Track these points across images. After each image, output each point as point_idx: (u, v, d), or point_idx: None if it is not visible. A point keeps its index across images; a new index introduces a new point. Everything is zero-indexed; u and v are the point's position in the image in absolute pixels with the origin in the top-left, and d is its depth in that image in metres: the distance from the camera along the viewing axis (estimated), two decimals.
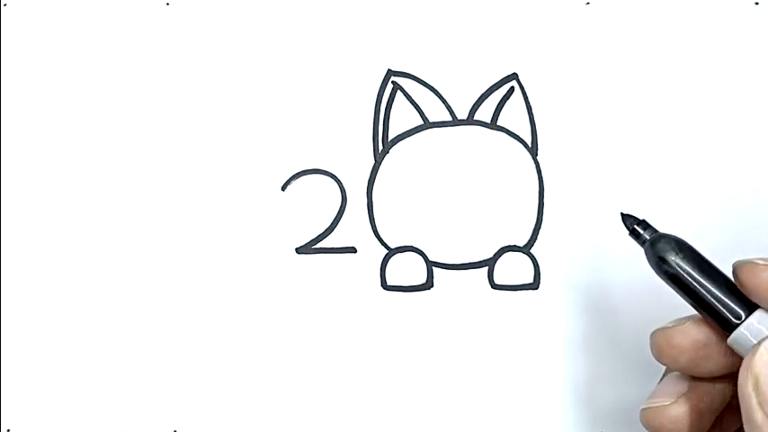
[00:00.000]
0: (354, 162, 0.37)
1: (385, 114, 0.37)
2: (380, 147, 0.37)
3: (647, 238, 0.26)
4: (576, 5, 0.37)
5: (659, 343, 0.27)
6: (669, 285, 0.26)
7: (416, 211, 0.36)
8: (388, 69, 0.37)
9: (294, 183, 0.37)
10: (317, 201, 0.37)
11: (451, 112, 0.37)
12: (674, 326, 0.26)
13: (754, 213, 0.35)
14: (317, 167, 0.37)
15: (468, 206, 0.36)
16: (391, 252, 0.36)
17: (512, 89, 0.37)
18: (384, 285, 0.36)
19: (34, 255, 0.37)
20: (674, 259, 0.25)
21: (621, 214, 0.27)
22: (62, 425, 0.36)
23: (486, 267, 0.36)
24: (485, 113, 0.37)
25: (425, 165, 0.37)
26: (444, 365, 0.36)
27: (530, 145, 0.36)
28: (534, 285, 0.36)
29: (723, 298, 0.25)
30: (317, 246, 0.36)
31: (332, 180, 0.37)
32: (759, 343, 0.23)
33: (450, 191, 0.36)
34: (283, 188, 0.37)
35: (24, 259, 0.37)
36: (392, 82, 0.37)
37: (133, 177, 0.37)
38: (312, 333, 0.36)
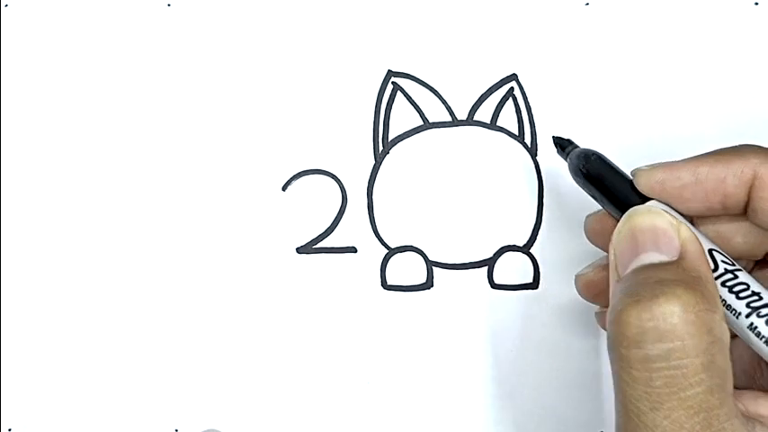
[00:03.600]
0: (355, 162, 0.37)
1: (385, 115, 0.37)
2: (381, 147, 0.37)
3: (568, 152, 0.31)
4: (576, 6, 0.37)
5: (585, 226, 0.32)
6: (583, 188, 0.30)
7: (416, 211, 0.37)
8: (389, 70, 0.37)
9: (295, 183, 0.37)
10: (317, 201, 0.37)
11: (451, 113, 0.37)
12: (594, 213, 0.31)
13: None
14: (318, 168, 0.37)
15: (468, 206, 0.36)
16: (391, 252, 0.36)
17: (511, 90, 0.37)
18: (384, 285, 0.36)
19: (34, 255, 0.37)
20: (584, 165, 0.29)
21: (552, 137, 0.32)
22: (62, 425, 0.36)
23: (486, 267, 0.36)
24: (484, 114, 0.37)
25: (425, 165, 0.37)
26: (444, 365, 0.36)
27: (529, 145, 0.36)
28: (534, 285, 0.36)
29: (623, 193, 0.29)
30: (318, 245, 0.36)
31: (332, 180, 0.37)
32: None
33: (451, 191, 0.36)
34: (284, 188, 0.37)
35: (24, 259, 0.37)
36: (392, 82, 0.37)
37: (134, 178, 0.37)
38: (313, 333, 0.36)
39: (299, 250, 0.37)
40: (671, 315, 0.23)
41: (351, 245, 0.37)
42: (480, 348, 0.36)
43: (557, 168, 0.36)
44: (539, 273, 0.36)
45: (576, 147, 0.31)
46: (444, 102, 0.37)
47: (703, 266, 0.25)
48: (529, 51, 0.37)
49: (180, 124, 0.37)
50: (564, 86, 0.37)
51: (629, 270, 0.25)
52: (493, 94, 0.37)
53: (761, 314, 0.24)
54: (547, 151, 0.36)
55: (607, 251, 0.30)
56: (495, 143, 0.37)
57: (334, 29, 0.37)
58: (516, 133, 0.37)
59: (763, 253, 0.28)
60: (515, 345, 0.36)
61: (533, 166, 0.36)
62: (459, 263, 0.36)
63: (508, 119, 0.37)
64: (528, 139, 0.37)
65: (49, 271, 0.37)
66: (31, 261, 0.37)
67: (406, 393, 0.36)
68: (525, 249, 0.36)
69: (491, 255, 0.36)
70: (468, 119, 0.37)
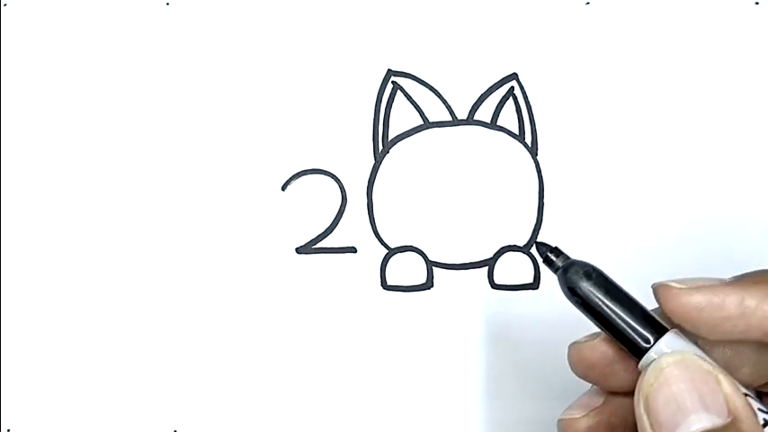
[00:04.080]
0: (354, 162, 0.37)
1: (385, 114, 0.37)
2: (380, 147, 0.37)
3: (560, 265, 0.25)
4: (576, 5, 0.37)
5: (571, 356, 0.26)
6: (581, 311, 0.25)
7: (416, 211, 0.36)
8: (388, 69, 0.37)
9: (294, 183, 0.37)
10: (317, 201, 0.37)
11: (451, 112, 0.37)
12: (585, 341, 0.26)
13: (755, 211, 0.35)
14: (317, 167, 0.37)
15: (468, 206, 0.36)
16: (391, 252, 0.36)
17: (512, 89, 0.37)
18: (384, 285, 0.36)
19: (34, 255, 0.37)
20: (584, 286, 0.25)
21: (536, 243, 0.27)
22: (62, 425, 0.36)
23: (486, 267, 0.36)
24: (485, 113, 0.37)
25: (425, 165, 0.37)
26: (444, 365, 0.36)
27: (530, 145, 0.36)
28: (534, 285, 0.36)
29: (632, 323, 0.24)
30: (317, 246, 0.36)
31: (332, 180, 0.37)
32: (649, 364, 0.23)
33: (451, 191, 0.36)
34: (283, 188, 0.37)
35: (24, 259, 0.37)
36: (392, 82, 0.37)
37: (133, 177, 0.37)
38: (312, 333, 0.36)
39: (299, 250, 0.36)
40: None
41: (350, 245, 0.36)
42: (480, 348, 0.36)
43: (557, 168, 0.36)
44: (539, 273, 0.36)
45: (568, 258, 0.25)
46: (444, 101, 0.37)
47: (758, 427, 0.22)
48: (529, 51, 0.37)
49: (179, 123, 0.37)
50: (564, 86, 0.37)
51: None
52: (493, 94, 0.37)
53: None
54: (547, 151, 0.36)
55: (599, 384, 0.27)
56: (496, 143, 0.37)
57: (334, 29, 0.37)
58: (517, 133, 0.37)
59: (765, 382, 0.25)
60: (515, 345, 0.36)
61: (533, 165, 0.36)
62: (459, 263, 0.36)
63: (508, 118, 0.37)
64: (528, 139, 0.36)
65: (49, 271, 0.37)
66: (31, 261, 0.37)
67: (405, 394, 0.36)
68: (525, 249, 0.36)
69: (491, 255, 0.36)
70: (468, 118, 0.37)
